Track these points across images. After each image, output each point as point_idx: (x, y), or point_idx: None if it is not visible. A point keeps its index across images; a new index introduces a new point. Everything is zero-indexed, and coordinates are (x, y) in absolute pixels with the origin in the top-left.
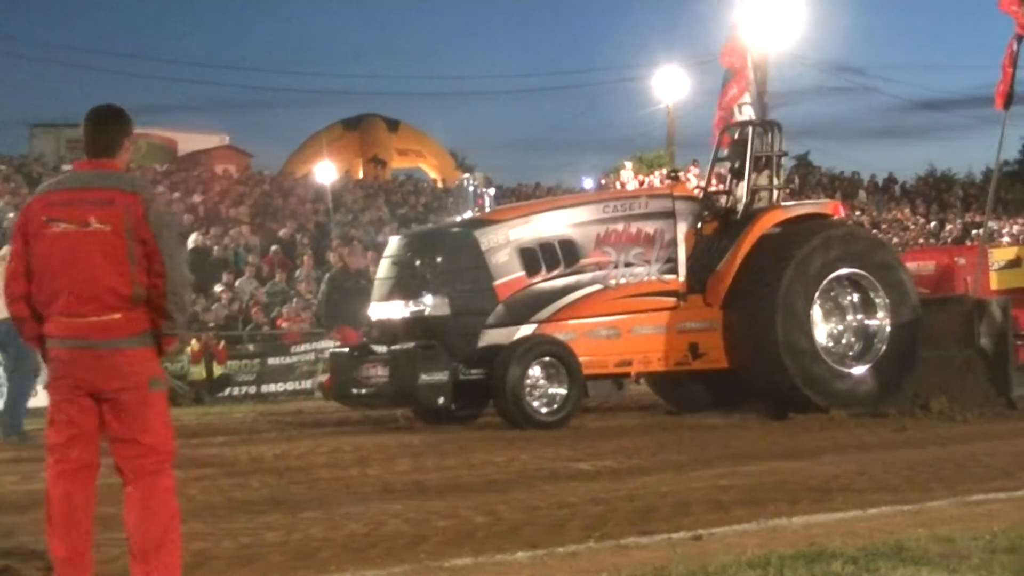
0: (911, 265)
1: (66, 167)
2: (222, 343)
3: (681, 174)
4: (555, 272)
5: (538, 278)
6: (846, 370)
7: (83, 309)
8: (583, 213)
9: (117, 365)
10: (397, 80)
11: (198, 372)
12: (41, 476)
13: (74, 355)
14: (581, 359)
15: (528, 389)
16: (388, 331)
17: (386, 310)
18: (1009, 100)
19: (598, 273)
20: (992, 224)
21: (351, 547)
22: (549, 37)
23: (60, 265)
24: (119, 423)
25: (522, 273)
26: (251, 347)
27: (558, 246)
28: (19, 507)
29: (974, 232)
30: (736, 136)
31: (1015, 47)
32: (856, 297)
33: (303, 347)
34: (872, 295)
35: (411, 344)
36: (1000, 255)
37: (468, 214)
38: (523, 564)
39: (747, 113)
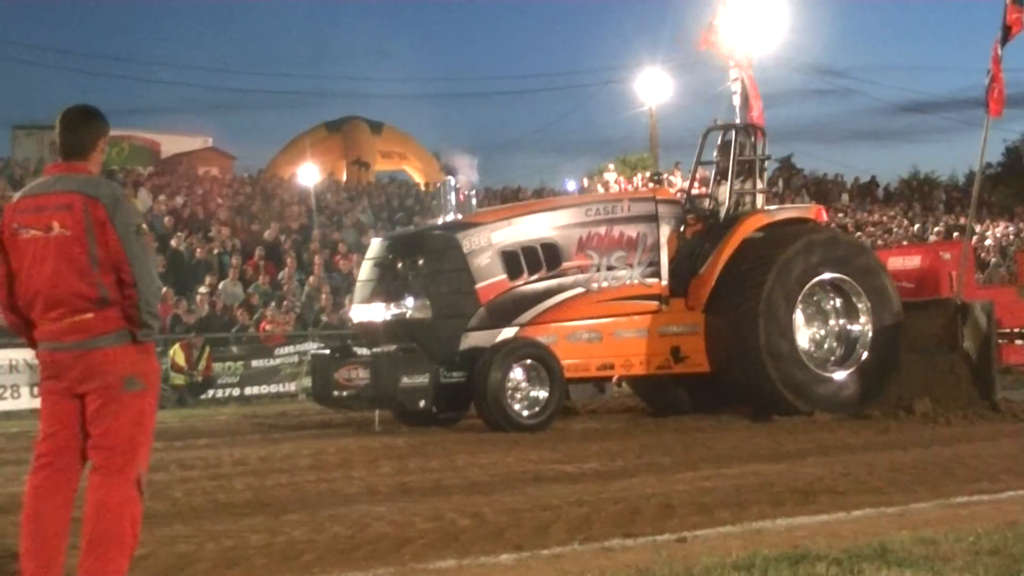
0: (896, 260)
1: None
2: (206, 351)
3: (665, 176)
4: (537, 275)
5: (520, 281)
6: (828, 375)
7: (54, 314)
8: (565, 216)
9: (92, 364)
10: (381, 82)
11: (183, 380)
12: (22, 479)
13: (55, 358)
14: (563, 362)
15: (510, 392)
16: (370, 333)
17: (368, 312)
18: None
19: (580, 276)
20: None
21: (335, 549)
22: (533, 40)
23: (30, 271)
24: (90, 422)
25: (504, 276)
26: (235, 349)
27: (540, 249)
28: (2, 509)
29: (955, 235)
30: (720, 140)
31: (999, 51)
32: (838, 302)
33: (287, 349)
34: (854, 300)
35: (393, 347)
36: None
37: (451, 217)
38: (507, 566)
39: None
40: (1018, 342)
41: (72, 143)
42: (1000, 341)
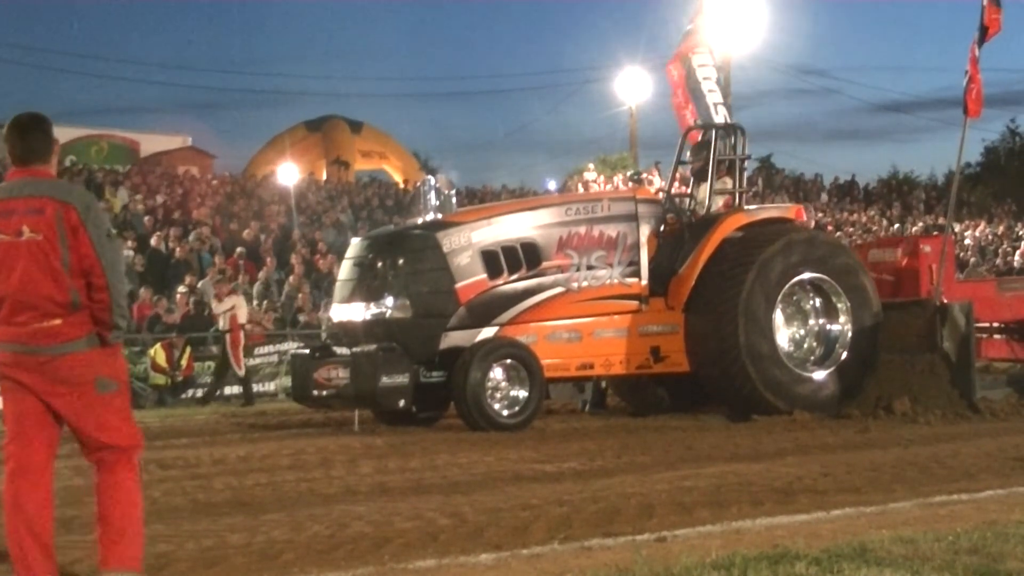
0: (876, 253)
1: None
2: (187, 351)
3: (645, 176)
4: (517, 275)
5: (500, 281)
6: (807, 374)
7: (22, 317)
8: (545, 216)
9: (60, 370)
10: (360, 81)
11: (163, 380)
12: None
13: (17, 359)
14: (543, 362)
15: (489, 392)
16: (349, 333)
17: (347, 312)
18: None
19: (560, 276)
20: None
21: (314, 549)
22: (512, 39)
23: None
24: (74, 423)
25: (484, 276)
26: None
27: (520, 249)
28: None
29: (935, 234)
30: (699, 139)
31: (977, 51)
32: (818, 301)
33: (266, 349)
34: (834, 299)
35: (372, 346)
36: None
37: (430, 216)
38: (487, 566)
39: (722, 114)
40: (997, 337)
41: (33, 148)
42: (980, 336)
